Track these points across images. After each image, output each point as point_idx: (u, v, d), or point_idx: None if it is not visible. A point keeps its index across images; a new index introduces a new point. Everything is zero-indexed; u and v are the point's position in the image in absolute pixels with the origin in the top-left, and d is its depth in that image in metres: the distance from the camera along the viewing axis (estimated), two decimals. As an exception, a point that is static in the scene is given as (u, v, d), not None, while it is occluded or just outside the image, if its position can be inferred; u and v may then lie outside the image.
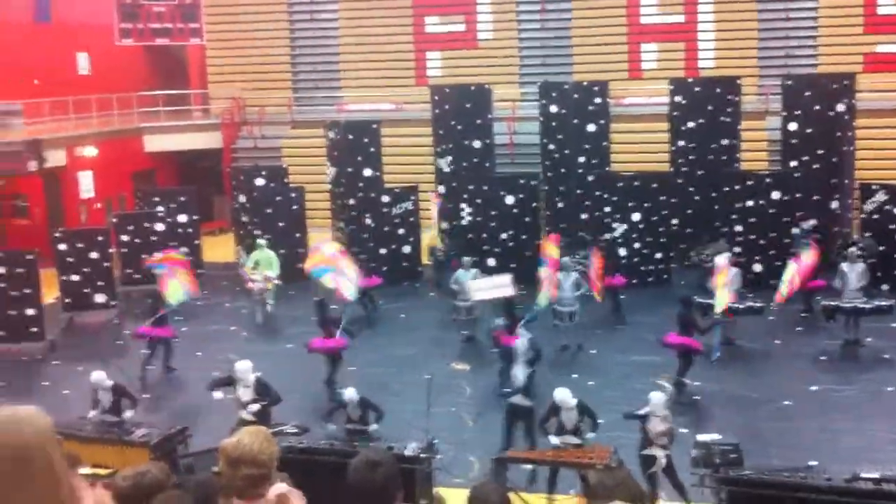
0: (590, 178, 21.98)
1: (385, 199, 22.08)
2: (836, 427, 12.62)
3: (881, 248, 19.07)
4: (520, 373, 12.43)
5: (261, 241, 20.07)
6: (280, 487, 4.00)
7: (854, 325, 15.88)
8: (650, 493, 10.09)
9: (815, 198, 21.25)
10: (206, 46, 32.31)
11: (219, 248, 25.17)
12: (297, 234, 22.63)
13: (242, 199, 22.96)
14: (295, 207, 22.70)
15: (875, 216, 20.01)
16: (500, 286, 15.29)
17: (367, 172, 23.54)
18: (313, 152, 27.27)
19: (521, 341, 13.01)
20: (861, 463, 9.76)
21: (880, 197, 19.90)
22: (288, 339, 17.30)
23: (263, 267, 19.26)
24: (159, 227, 21.62)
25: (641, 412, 10.60)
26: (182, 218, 22.92)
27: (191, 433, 11.87)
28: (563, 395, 10.89)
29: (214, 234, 27.30)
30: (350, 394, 12.01)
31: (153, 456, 10.78)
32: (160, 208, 22.37)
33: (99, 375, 12.27)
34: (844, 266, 16.29)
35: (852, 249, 16.82)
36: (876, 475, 9.13)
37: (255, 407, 12.01)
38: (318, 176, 25.88)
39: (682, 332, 14.15)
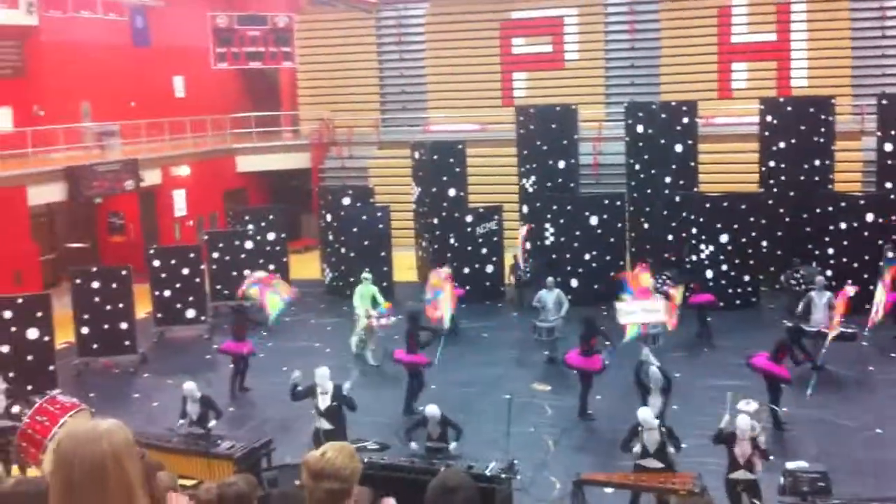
0: (676, 199, 21.69)
1: (469, 218, 22.19)
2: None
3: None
4: (657, 403, 12.23)
5: (366, 276, 18.62)
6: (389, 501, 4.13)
7: None
8: None
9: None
10: (297, 70, 33.09)
11: (306, 266, 25.63)
12: (383, 253, 22.87)
13: (329, 217, 23.34)
14: (381, 226, 22.97)
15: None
16: (652, 311, 15.00)
17: (452, 192, 23.70)
18: (399, 172, 27.60)
19: (653, 370, 12.69)
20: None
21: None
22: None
23: (364, 303, 18.05)
24: (248, 244, 22.12)
25: (726, 427, 10.37)
26: (270, 236, 23.42)
27: (274, 447, 12.11)
28: (646, 415, 10.74)
29: (301, 252, 27.80)
30: (432, 410, 12.06)
31: (238, 468, 11.01)
32: (250, 226, 22.89)
33: (190, 385, 12.59)
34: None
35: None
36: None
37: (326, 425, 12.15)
38: (403, 195, 26.17)
39: (772, 357, 13.77)
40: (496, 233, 22.40)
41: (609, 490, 10.91)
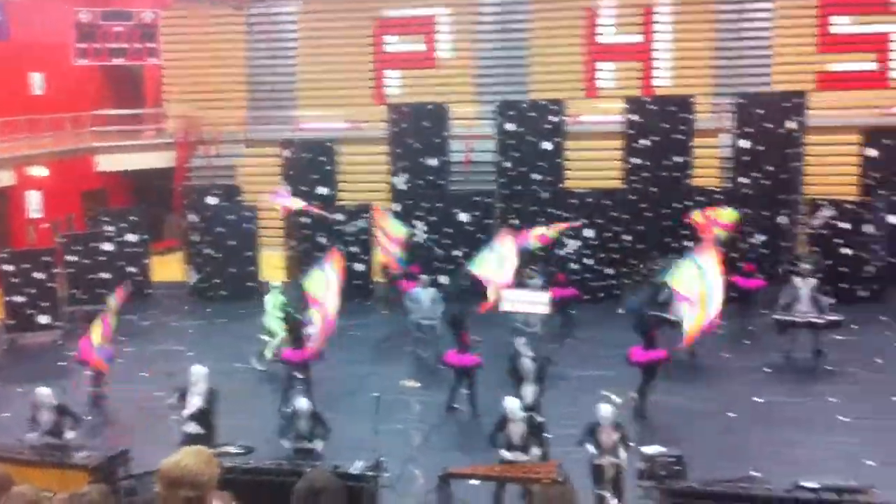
0: (544, 195, 22.03)
1: (339, 217, 21.97)
2: (780, 438, 12.69)
3: (827, 263, 19.28)
4: (529, 392, 12.30)
5: (275, 285, 17.88)
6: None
7: (814, 338, 16.09)
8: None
9: (763, 213, 21.49)
10: (162, 66, 32.17)
11: (168, 268, 24.92)
12: (249, 253, 22.48)
13: (194, 217, 22.73)
14: (247, 226, 22.55)
15: (822, 231, 20.25)
16: (536, 302, 15.07)
17: (322, 191, 23.42)
18: (268, 171, 27.15)
19: (526, 360, 12.83)
20: (802, 473, 9.78)
21: (827, 212, 20.16)
22: (237, 358, 17.09)
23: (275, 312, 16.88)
24: (107, 246, 21.30)
25: (589, 430, 10.56)
26: (132, 237, 22.68)
27: (132, 455, 11.65)
28: (512, 406, 10.78)
29: (163, 254, 27.02)
30: (301, 404, 11.82)
31: (93, 478, 10.55)
32: (109, 228, 22.10)
33: (44, 392, 11.98)
34: (797, 281, 16.43)
35: (806, 266, 16.94)
36: (815, 484, 9.16)
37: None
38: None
39: (647, 347, 14.10)
40: (366, 231, 22.27)
41: (475, 482, 10.95)
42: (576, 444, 10.69)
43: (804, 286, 16.22)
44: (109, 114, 29.94)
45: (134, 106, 31.55)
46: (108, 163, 28.99)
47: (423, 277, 17.92)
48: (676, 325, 15.32)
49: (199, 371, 11.99)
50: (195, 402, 11.85)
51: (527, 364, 12.70)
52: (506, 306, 15.00)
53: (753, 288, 18.08)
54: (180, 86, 31.88)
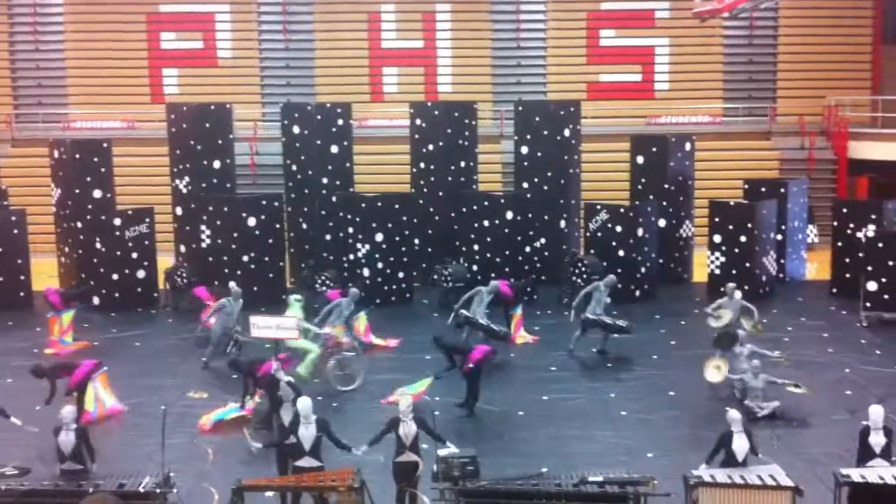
0: (333, 199, 21.97)
1: (117, 221, 20.93)
2: (566, 434, 13.25)
3: (604, 265, 20.38)
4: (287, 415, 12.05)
5: (297, 298, 17.73)
6: None
7: (603, 338, 17.14)
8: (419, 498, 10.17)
9: (545, 217, 22.44)
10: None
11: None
12: (19, 261, 21.00)
13: (-46, 222, 20.96)
14: (16, 231, 21.05)
15: (598, 234, 21.40)
16: (285, 328, 14.81)
17: (97, 193, 22.20)
18: (37, 172, 25.54)
19: (283, 383, 12.59)
20: (588, 467, 10.26)
21: (603, 216, 21.30)
22: (10, 373, 15.91)
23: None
24: None
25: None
26: None
27: None
28: (305, 404, 10.58)
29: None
30: (68, 413, 11.08)
31: None
32: None
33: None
34: (600, 284, 17.38)
35: (611, 277, 17.85)
36: (600, 478, 9.64)
37: None
38: (41, 198, 24.20)
39: (464, 356, 14.37)
40: (147, 236, 21.33)
41: (269, 494, 10.74)
42: (374, 439, 10.61)
43: (604, 290, 17.19)
44: None
45: None
46: None
47: (232, 285, 17.34)
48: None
49: None
50: None
51: (285, 388, 12.56)
52: (254, 332, 14.86)
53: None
54: (-67, 78, 29.39)
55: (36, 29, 29.93)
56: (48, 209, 23.36)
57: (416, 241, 21.96)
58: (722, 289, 17.32)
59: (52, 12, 30.08)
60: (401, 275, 21.23)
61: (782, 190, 22.73)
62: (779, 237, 22.19)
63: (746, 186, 23.20)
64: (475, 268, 21.33)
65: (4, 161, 27.91)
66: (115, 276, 20.67)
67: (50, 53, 29.97)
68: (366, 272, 20.77)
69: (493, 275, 19.86)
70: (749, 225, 20.87)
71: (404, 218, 21.22)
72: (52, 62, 29.94)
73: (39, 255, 22.80)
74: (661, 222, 22.32)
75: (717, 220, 21.34)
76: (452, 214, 22.52)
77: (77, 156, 22.11)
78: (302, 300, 17.73)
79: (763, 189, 22.81)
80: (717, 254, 21.29)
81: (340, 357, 15.73)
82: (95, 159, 22.35)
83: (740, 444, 10.32)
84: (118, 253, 20.73)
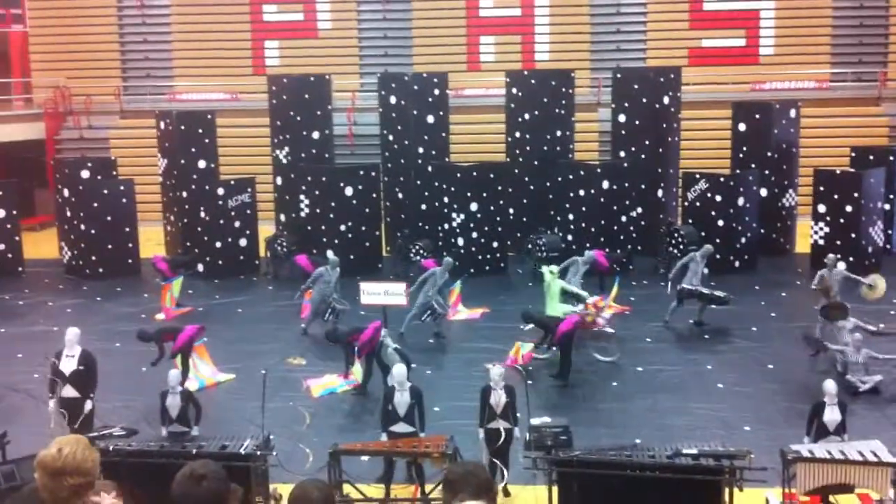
0: (429, 169, 22.09)
1: (220, 191, 21.51)
2: (661, 406, 13.13)
3: (702, 235, 20.00)
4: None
5: (552, 269, 16.70)
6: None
7: (700, 309, 16.89)
8: (498, 468, 10.27)
9: (642, 186, 22.12)
10: (28, 33, 30.66)
11: (42, 245, 23.95)
12: (127, 229, 21.79)
13: (66, 192, 21.84)
14: (124, 201, 21.83)
15: (697, 203, 20.99)
16: (393, 294, 15.05)
17: (202, 164, 22.84)
18: (144, 143, 26.34)
19: (391, 351, 13.00)
20: (682, 439, 10.17)
21: (701, 185, 20.88)
22: (118, 338, 16.58)
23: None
24: (-26, 223, 20.41)
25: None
26: (0, 213, 21.68)
27: (9, 440, 11.19)
28: (399, 372, 10.75)
29: (36, 230, 25.93)
30: (173, 377, 11.46)
31: (-30, 464, 10.11)
32: (-24, 204, 21.08)
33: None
34: (696, 255, 17.13)
35: (707, 248, 17.56)
36: (695, 451, 9.53)
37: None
38: (149, 167, 24.98)
39: (553, 329, 14.40)
40: (249, 205, 21.87)
41: (365, 458, 10.97)
42: (481, 417, 10.67)
43: (700, 261, 16.95)
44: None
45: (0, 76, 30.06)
46: (-29, 135, 27.56)
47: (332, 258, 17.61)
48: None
49: (72, 332, 11.62)
50: (70, 364, 11.49)
51: (392, 355, 12.84)
52: (364, 299, 15.01)
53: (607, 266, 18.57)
54: (48, 54, 30.54)
55: (143, 3, 30.76)
56: (155, 179, 24.12)
57: (511, 210, 21.94)
58: (825, 260, 16.83)
59: (158, -14, 30.86)
60: (495, 244, 21.26)
61: (891, 158, 21.87)
62: (886, 207, 21.39)
63: (853, 154, 22.40)
64: (570, 238, 21.20)
65: (113, 132, 28.87)
66: (218, 245, 21.27)
67: (156, 27, 30.75)
68: (460, 241, 20.87)
69: (587, 245, 19.73)
70: (855, 194, 20.15)
71: (499, 187, 21.20)
72: (159, 36, 30.71)
73: (147, 223, 23.61)
74: (763, 192, 21.75)
75: (821, 189, 20.69)
76: (548, 184, 22.39)
77: (182, 127, 22.77)
78: (556, 272, 16.68)
79: (871, 157, 21.98)
80: (821, 224, 20.65)
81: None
82: (200, 130, 22.98)
83: (832, 416, 10.12)
84: (221, 222, 21.32)
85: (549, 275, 16.49)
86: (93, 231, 21.25)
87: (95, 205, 21.33)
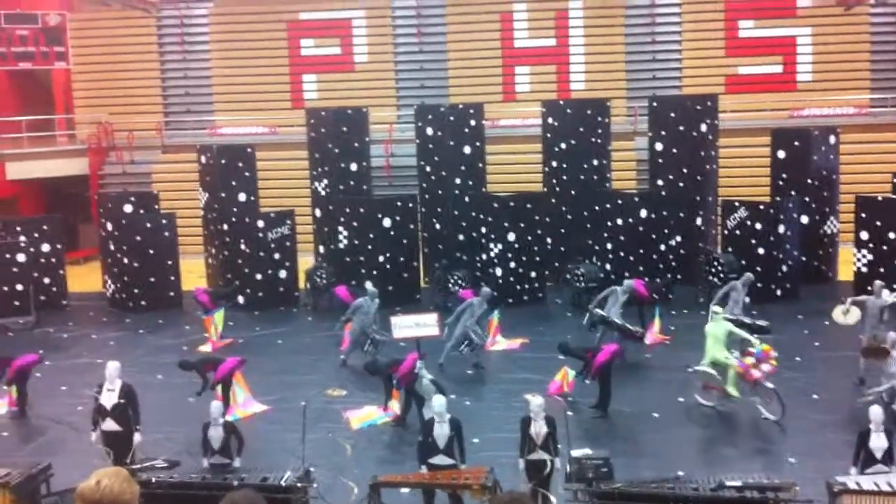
0: (466, 199, 22.17)
1: (260, 223, 21.74)
2: (702, 437, 13.00)
3: (742, 263, 19.82)
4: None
5: (716, 311, 15.08)
6: None
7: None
8: (543, 496, 10.20)
9: (680, 215, 22.00)
10: (71, 70, 31.37)
11: (86, 278, 24.32)
12: (169, 262, 22.07)
13: (110, 226, 22.20)
14: (166, 234, 22.14)
15: (736, 232, 20.84)
16: (425, 325, 15.07)
17: (242, 197, 23.12)
18: (185, 177, 26.72)
19: (426, 382, 13.09)
20: (726, 471, 10.05)
21: (741, 213, 20.74)
22: (160, 370, 16.76)
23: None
24: (21, 257, 20.77)
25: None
26: (45, 247, 22.10)
27: (53, 472, 11.33)
28: (440, 402, 10.71)
29: (80, 263, 26.35)
30: (215, 409, 11.47)
31: (14, 498, 10.25)
32: (22, 238, 21.46)
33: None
34: (737, 284, 17.06)
35: (748, 276, 17.43)
36: (739, 483, 9.42)
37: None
38: (190, 201, 25.33)
39: (592, 354, 14.35)
40: (289, 238, 22.07)
41: (405, 490, 10.96)
42: (521, 448, 10.58)
43: (742, 289, 16.80)
44: (18, 120, 29.03)
45: (43, 112, 30.68)
46: (18, 170, 28.05)
47: (371, 289, 17.63)
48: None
49: (113, 367, 11.75)
50: (111, 398, 11.61)
51: (427, 386, 12.87)
52: (397, 333, 15.00)
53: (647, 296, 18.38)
54: (91, 90, 31.21)
55: (184, 40, 31.36)
56: (196, 212, 24.44)
57: (549, 240, 21.91)
58: (869, 287, 16.57)
59: (198, 23, 31.45)
60: (533, 274, 21.24)
61: (935, 183, 21.60)
62: (931, 234, 21.08)
63: (895, 180, 22.14)
64: (608, 267, 21.13)
65: (155, 167, 29.33)
66: (258, 277, 21.46)
67: (197, 63, 31.30)
68: (498, 272, 20.88)
69: (626, 274, 19.63)
70: (898, 221, 19.92)
71: (537, 217, 21.21)
72: (199, 71, 31.25)
73: (188, 256, 23.88)
74: (804, 219, 21.55)
75: (863, 215, 20.46)
76: (585, 213, 22.36)
77: (223, 161, 23.09)
78: (721, 312, 15.07)
79: (914, 183, 21.73)
80: (864, 251, 20.40)
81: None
82: (240, 164, 23.28)
83: (878, 443, 9.97)
84: (261, 254, 21.53)
85: (714, 315, 14.81)
86: (136, 264, 21.53)
87: (138, 238, 21.66)
